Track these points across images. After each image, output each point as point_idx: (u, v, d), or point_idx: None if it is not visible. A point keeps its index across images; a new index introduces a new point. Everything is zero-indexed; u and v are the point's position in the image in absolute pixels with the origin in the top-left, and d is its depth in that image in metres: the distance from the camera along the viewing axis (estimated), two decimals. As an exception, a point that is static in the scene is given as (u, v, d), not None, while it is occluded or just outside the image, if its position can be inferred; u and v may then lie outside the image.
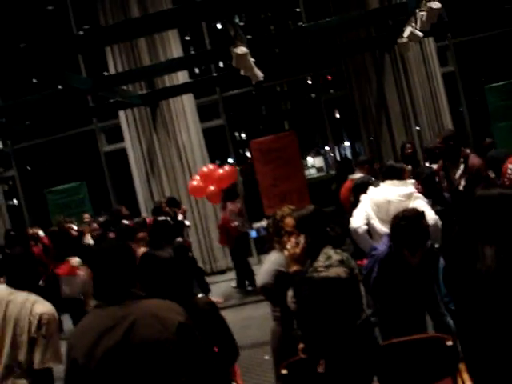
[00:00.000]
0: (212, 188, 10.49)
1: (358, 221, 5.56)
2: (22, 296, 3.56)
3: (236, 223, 10.14)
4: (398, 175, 5.62)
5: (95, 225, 9.98)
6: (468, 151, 6.51)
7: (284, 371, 3.84)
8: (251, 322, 8.05)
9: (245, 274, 10.29)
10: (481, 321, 2.56)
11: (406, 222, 4.18)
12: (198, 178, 10.73)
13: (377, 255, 4.39)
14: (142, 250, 4.37)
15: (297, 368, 3.84)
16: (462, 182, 5.94)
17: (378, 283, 4.27)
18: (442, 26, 11.11)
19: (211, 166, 10.99)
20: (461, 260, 2.67)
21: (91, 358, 2.52)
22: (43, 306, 3.55)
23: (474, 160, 6.15)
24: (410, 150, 9.03)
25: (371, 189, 5.73)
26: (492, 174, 5.75)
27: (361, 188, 6.22)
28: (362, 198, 5.70)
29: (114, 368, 2.51)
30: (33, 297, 3.59)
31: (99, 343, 2.52)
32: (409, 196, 5.34)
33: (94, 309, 2.73)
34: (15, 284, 3.62)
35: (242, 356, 6.70)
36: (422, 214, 4.35)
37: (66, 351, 2.65)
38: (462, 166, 6.20)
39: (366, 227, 5.50)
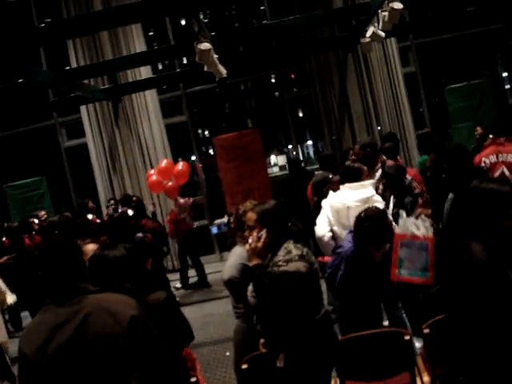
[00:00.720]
0: (170, 183, 10.48)
1: (321, 229, 5.52)
2: None
3: (183, 216, 10.16)
4: (356, 177, 5.60)
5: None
6: (384, 157, 6.71)
7: (244, 366, 3.86)
8: (212, 319, 8.06)
9: (197, 271, 10.35)
10: (470, 310, 2.61)
11: (368, 222, 4.23)
12: (155, 172, 10.73)
13: (343, 253, 4.43)
14: (91, 246, 4.23)
15: (257, 363, 3.86)
16: (380, 187, 6.06)
17: (344, 280, 4.31)
18: (404, 27, 11.28)
19: (167, 162, 11.01)
20: (450, 253, 2.74)
21: (43, 354, 2.50)
22: None
23: (390, 166, 6.30)
24: (353, 157, 9.17)
25: (331, 194, 5.69)
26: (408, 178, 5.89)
27: (319, 186, 6.27)
28: (323, 203, 5.67)
29: (66, 364, 2.50)
30: None
31: (51, 340, 2.51)
32: (366, 201, 5.28)
33: (45, 306, 2.69)
34: None
35: (203, 352, 6.78)
36: (383, 213, 4.41)
37: (18, 348, 2.62)
38: (379, 172, 6.38)
39: (330, 234, 5.48)
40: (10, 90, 9.92)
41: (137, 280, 3.15)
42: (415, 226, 4.17)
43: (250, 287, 3.65)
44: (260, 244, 3.50)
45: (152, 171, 10.88)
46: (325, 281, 4.49)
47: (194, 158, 13.75)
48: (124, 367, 2.50)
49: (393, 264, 4.23)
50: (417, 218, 4.33)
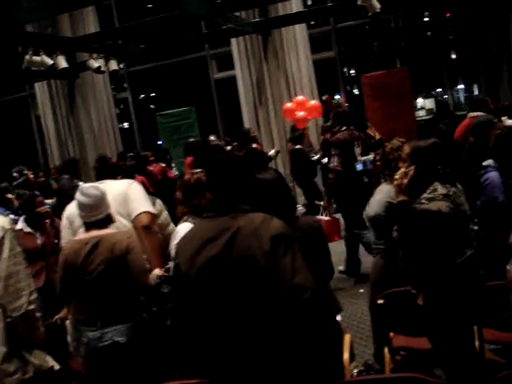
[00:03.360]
0: (301, 114, 10.51)
1: None
2: None
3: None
4: None
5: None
6: None
7: (380, 301, 3.86)
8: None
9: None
10: None
11: None
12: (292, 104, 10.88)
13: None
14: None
15: (393, 299, 3.85)
16: None
17: None
18: None
19: (303, 97, 11.16)
20: None
21: (192, 265, 2.60)
22: None
23: None
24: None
25: None
26: None
27: (484, 127, 5.80)
28: None
29: (211, 278, 2.58)
30: None
31: (201, 252, 2.59)
32: None
33: (202, 218, 2.80)
34: None
35: (336, 287, 6.82)
36: None
37: (174, 256, 2.76)
38: None
39: None
40: (166, 21, 10.25)
41: (288, 203, 3.22)
42: None
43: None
44: (406, 180, 3.41)
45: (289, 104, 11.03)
46: None
47: (338, 96, 13.51)
48: (265, 290, 2.52)
49: None
50: None
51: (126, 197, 4.30)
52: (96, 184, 4.04)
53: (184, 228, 3.63)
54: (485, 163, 4.50)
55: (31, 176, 9.22)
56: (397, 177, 3.47)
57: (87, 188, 3.81)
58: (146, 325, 3.75)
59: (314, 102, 11.01)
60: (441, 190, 3.35)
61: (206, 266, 2.58)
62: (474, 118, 6.61)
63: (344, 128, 7.37)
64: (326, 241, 3.31)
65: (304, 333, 2.52)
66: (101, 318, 3.64)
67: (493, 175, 4.32)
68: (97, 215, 3.74)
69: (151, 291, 3.77)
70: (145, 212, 4.25)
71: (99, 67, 10.57)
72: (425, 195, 3.36)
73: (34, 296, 3.14)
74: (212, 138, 10.64)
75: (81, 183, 5.19)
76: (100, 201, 3.75)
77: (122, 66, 13.76)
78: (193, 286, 2.62)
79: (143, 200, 4.38)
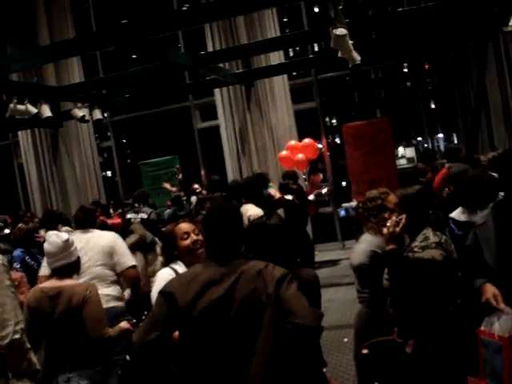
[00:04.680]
0: (300, 156, 10.96)
1: None
2: None
3: (324, 187, 10.43)
4: None
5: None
6: None
7: (365, 351, 3.85)
8: (331, 305, 8.06)
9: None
10: None
11: None
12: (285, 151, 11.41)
13: None
14: None
15: (378, 349, 3.83)
16: None
17: None
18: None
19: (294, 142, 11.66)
20: None
21: (194, 307, 2.61)
22: None
23: None
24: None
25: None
26: None
27: (457, 177, 5.94)
28: None
29: (214, 320, 2.61)
30: None
31: (204, 294, 2.62)
32: None
33: (201, 261, 2.86)
34: None
35: (321, 337, 6.80)
36: None
37: (161, 297, 2.74)
38: None
39: None
40: (149, 71, 10.39)
41: (290, 251, 3.27)
42: None
43: (386, 270, 3.61)
44: (398, 229, 3.46)
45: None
46: None
47: (320, 146, 13.69)
48: (265, 333, 2.57)
49: None
50: None
51: (113, 250, 4.68)
52: (59, 232, 4.14)
53: (163, 273, 3.64)
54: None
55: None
56: (388, 225, 3.52)
57: (50, 235, 3.94)
58: (117, 369, 3.91)
59: (307, 141, 11.47)
60: (433, 238, 3.40)
61: (209, 308, 2.61)
62: (451, 167, 6.78)
63: None
64: (320, 297, 3.35)
65: (302, 372, 2.62)
66: (69, 362, 3.79)
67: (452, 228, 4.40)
68: (59, 261, 3.86)
69: (112, 341, 3.91)
70: (132, 266, 4.68)
71: (83, 116, 10.63)
72: (416, 243, 3.41)
73: (21, 326, 3.22)
74: (196, 186, 10.72)
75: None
76: (61, 249, 3.85)
77: (106, 114, 13.86)
78: (194, 326, 2.64)
79: (129, 254, 4.79)
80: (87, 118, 10.82)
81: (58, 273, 3.90)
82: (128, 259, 4.81)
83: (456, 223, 4.47)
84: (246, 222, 6.28)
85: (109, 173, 16.92)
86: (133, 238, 5.84)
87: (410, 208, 3.49)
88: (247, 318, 2.58)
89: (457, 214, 4.58)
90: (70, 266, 3.91)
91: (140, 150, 18.00)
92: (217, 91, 12.76)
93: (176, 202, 9.89)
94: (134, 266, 4.79)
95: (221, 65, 11.39)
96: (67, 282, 3.88)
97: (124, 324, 3.96)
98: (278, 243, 3.12)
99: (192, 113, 14.05)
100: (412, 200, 3.53)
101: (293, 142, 11.57)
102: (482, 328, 3.11)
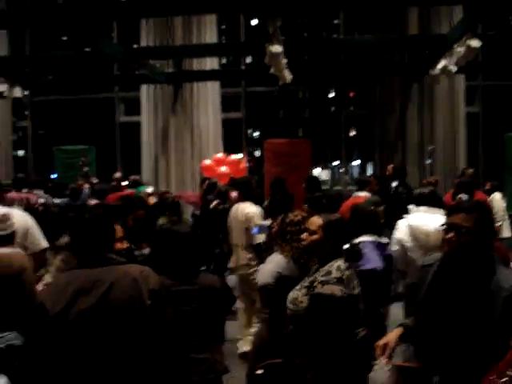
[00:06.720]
0: (223, 169, 10.99)
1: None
2: None
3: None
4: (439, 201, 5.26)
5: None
6: None
7: (260, 371, 3.85)
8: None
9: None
10: None
11: None
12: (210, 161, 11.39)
13: None
14: None
15: (273, 371, 3.84)
16: None
17: None
18: (475, 66, 11.12)
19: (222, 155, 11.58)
20: None
21: (65, 315, 2.56)
22: None
23: None
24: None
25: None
26: None
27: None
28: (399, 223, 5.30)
29: (86, 330, 2.56)
30: None
31: (75, 303, 2.57)
32: None
33: (71, 269, 2.77)
34: None
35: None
36: None
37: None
38: None
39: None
40: (78, 57, 10.14)
41: (197, 257, 3.36)
42: None
43: (291, 294, 3.63)
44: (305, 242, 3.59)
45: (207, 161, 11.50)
46: None
47: (241, 156, 13.73)
48: (138, 343, 2.58)
49: None
50: None
51: (26, 230, 4.65)
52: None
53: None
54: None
55: None
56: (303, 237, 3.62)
57: None
58: None
59: (235, 157, 11.61)
60: (335, 273, 3.45)
61: (80, 318, 2.56)
62: (358, 198, 6.95)
63: None
64: (224, 305, 3.36)
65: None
66: None
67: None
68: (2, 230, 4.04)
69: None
70: (45, 248, 4.68)
71: (2, 92, 10.27)
72: (319, 277, 3.45)
73: None
74: (118, 174, 10.49)
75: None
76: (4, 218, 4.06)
77: (26, 93, 13.37)
78: (65, 336, 2.57)
79: (41, 234, 4.75)
80: (6, 94, 10.43)
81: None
82: (40, 239, 4.78)
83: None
84: (243, 218, 6.42)
85: (21, 152, 16.33)
86: None
87: (332, 234, 3.55)
88: (120, 326, 2.57)
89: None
90: (6, 237, 4.05)
91: (57, 135, 17.46)
92: (144, 87, 12.57)
93: (73, 192, 9.53)
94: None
95: (152, 61, 11.26)
96: (4, 250, 3.93)
97: None
98: (182, 250, 3.26)
99: (116, 105, 13.77)
100: (335, 226, 3.59)
101: (220, 155, 11.55)
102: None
